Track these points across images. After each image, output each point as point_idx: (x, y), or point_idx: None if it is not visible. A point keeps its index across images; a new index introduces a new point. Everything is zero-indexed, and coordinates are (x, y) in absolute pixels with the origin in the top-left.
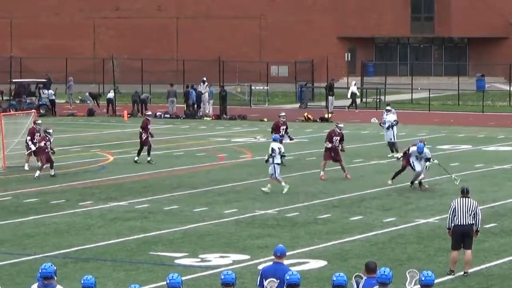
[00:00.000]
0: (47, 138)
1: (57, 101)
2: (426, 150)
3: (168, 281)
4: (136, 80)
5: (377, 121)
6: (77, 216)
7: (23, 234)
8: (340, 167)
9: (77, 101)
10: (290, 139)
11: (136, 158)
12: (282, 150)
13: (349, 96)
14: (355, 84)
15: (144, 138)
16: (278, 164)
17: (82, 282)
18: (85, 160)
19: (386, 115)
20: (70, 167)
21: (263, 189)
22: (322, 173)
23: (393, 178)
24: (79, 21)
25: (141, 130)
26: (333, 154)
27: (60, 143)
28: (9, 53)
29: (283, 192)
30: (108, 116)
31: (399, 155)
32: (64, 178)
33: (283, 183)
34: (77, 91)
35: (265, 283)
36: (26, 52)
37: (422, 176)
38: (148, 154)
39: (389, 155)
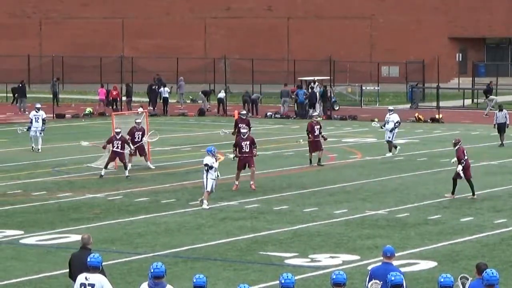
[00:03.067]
0: (117, 137)
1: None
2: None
3: (282, 281)
4: (247, 80)
5: (378, 124)
6: (188, 216)
7: (134, 233)
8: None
9: (188, 101)
10: (324, 139)
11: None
12: (215, 165)
13: None
14: None
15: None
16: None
17: (194, 281)
18: (196, 159)
19: (390, 115)
20: (181, 166)
21: (203, 206)
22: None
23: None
24: (190, 21)
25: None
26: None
27: (171, 143)
28: (120, 53)
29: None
30: (218, 116)
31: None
32: (175, 178)
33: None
34: (188, 91)
35: (369, 284)
36: (137, 52)
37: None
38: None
39: (387, 155)
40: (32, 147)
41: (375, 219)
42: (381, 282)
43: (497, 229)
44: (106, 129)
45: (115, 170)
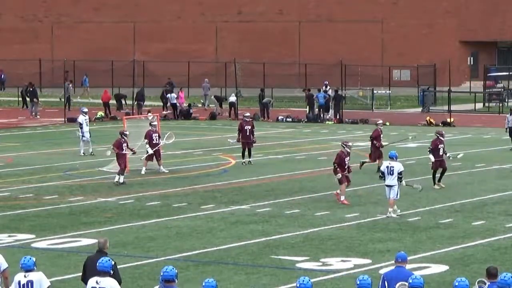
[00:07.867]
0: (124, 140)
1: (185, 104)
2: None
3: (298, 285)
4: (258, 84)
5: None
6: (199, 220)
7: (146, 236)
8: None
9: (199, 105)
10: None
11: (242, 160)
12: (401, 169)
13: None
14: None
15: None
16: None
17: (203, 284)
18: (207, 163)
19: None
20: (192, 170)
21: (393, 215)
22: (343, 198)
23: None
24: (201, 25)
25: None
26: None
27: (182, 147)
28: (132, 57)
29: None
30: (230, 120)
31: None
32: (186, 182)
33: (394, 207)
34: (199, 94)
35: (396, 285)
36: (148, 56)
37: None
38: (249, 155)
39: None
40: (83, 152)
41: (386, 222)
42: (407, 283)
43: (509, 232)
44: (117, 133)
45: (127, 174)
